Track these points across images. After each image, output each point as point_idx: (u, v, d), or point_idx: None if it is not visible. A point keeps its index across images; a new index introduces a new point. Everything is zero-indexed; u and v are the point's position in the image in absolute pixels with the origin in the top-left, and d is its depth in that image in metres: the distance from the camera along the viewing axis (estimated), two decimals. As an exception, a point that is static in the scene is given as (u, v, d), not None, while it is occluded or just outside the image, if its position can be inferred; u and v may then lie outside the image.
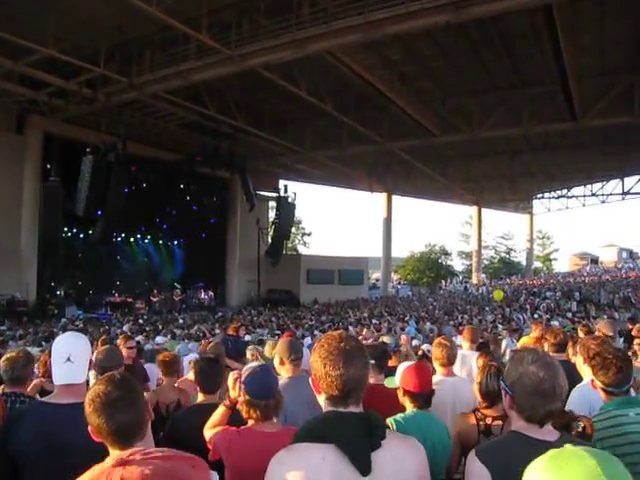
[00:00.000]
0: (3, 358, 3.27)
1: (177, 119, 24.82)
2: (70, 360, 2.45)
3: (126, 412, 1.74)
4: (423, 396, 3.06)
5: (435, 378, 3.67)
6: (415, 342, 6.87)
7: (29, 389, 3.61)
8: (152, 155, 26.84)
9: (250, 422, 2.52)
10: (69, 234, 27.12)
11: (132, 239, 32.56)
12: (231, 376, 2.63)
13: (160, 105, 22.38)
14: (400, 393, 3.11)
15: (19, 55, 17.83)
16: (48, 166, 22.59)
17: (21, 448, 2.29)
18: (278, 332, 13.86)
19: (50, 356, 2.65)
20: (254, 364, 2.75)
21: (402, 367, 3.17)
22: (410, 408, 3.06)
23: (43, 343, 11.70)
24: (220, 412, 2.66)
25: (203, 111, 22.38)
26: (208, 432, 2.60)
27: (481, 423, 2.99)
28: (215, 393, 3.32)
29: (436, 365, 3.87)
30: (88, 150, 21.29)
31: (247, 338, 10.67)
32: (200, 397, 3.37)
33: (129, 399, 1.78)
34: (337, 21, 14.85)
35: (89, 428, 1.78)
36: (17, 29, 16.20)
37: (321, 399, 1.78)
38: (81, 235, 27.85)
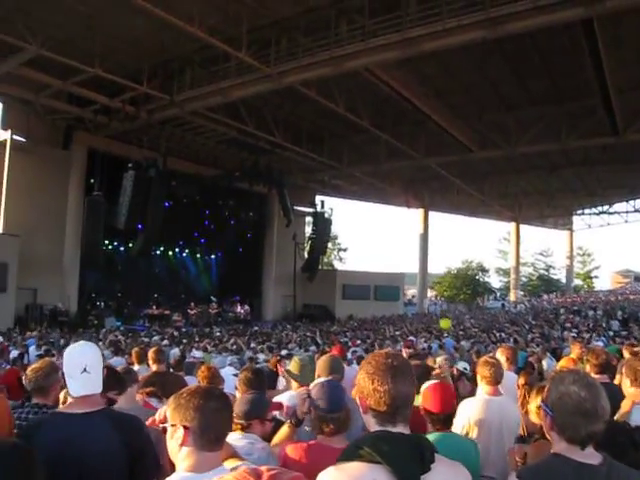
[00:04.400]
0: (29, 369, 3.30)
1: (216, 135, 25.27)
2: (87, 371, 2.42)
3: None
4: (442, 417, 3.02)
5: (481, 397, 3.62)
6: (440, 360, 6.82)
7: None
8: (192, 170, 27.36)
9: (319, 437, 2.51)
10: (110, 247, 27.70)
11: (170, 252, 33.06)
12: (299, 393, 2.64)
13: (200, 121, 22.86)
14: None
15: (67, 75, 18.52)
16: (92, 181, 23.21)
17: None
18: (313, 348, 13.88)
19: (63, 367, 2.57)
20: (322, 379, 2.77)
21: (425, 386, 3.14)
22: (429, 429, 3.02)
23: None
24: (285, 431, 2.67)
25: (242, 127, 22.75)
26: (276, 448, 2.59)
27: None
28: None
29: (482, 384, 3.77)
30: (130, 165, 21.82)
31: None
32: None
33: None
34: (374, 38, 14.96)
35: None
36: (66, 50, 16.87)
37: (368, 418, 1.76)
38: (121, 248, 28.43)
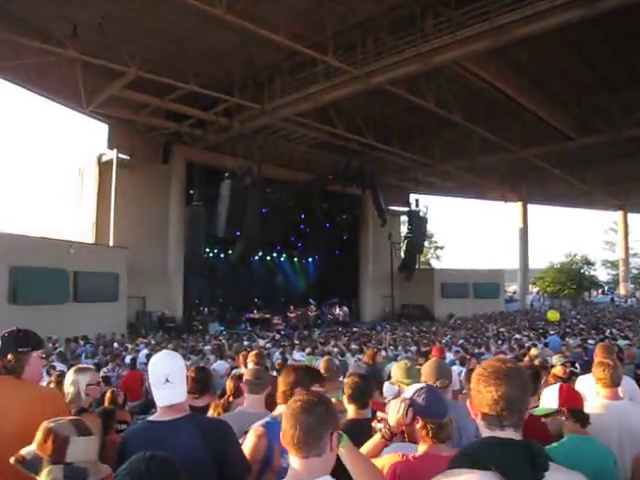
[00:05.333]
0: None
1: (308, 140, 25.64)
2: (169, 381, 2.48)
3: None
4: (577, 413, 2.83)
5: (598, 401, 3.39)
6: (555, 359, 6.49)
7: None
8: (285, 176, 27.89)
9: (423, 447, 2.37)
10: (211, 254, 28.82)
11: (268, 257, 33.89)
12: (397, 402, 2.47)
13: (291, 128, 23.32)
14: (563, 417, 2.83)
15: (164, 93, 19.55)
16: (191, 192, 24.20)
17: None
18: (413, 348, 13.70)
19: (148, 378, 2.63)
20: (419, 385, 2.61)
21: (554, 389, 2.94)
22: (570, 430, 2.80)
23: (191, 356, 12.55)
24: (375, 442, 2.53)
25: (332, 130, 22.96)
26: (377, 461, 2.39)
27: None
28: (367, 408, 3.21)
29: (598, 387, 3.51)
30: (226, 175, 22.53)
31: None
32: (352, 412, 3.21)
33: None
34: (462, 30, 14.61)
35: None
36: (162, 70, 17.84)
37: (479, 423, 1.75)
38: (222, 255, 29.46)
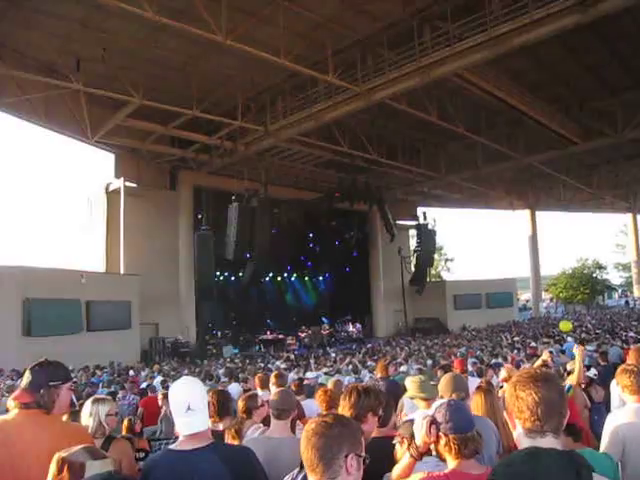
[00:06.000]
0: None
1: (313, 159, 25.76)
2: (191, 409, 2.43)
3: None
4: (572, 428, 2.85)
5: (630, 407, 3.36)
6: (570, 366, 6.44)
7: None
8: (292, 196, 28.05)
9: (451, 465, 2.28)
10: (221, 277, 28.90)
11: (279, 278, 33.95)
12: (421, 420, 2.40)
13: (296, 148, 23.45)
14: None
15: (168, 120, 19.77)
16: (199, 216, 24.37)
17: None
18: (430, 362, 13.59)
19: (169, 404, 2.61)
20: (442, 400, 2.56)
21: None
22: (564, 445, 2.82)
23: (207, 381, 12.51)
24: (406, 463, 2.47)
25: (336, 148, 23.06)
26: None
27: None
28: (388, 425, 3.17)
29: (625, 394, 3.48)
30: (233, 198, 22.69)
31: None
32: (375, 431, 3.14)
33: None
34: (460, 42, 14.72)
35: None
36: (165, 98, 18.07)
37: (518, 435, 1.73)
38: (232, 278, 29.53)
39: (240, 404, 4.42)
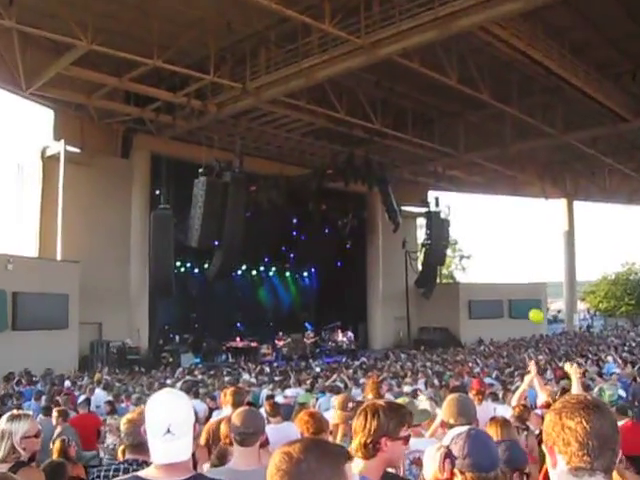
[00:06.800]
0: (124, 419, 3.46)
1: (301, 126, 25.72)
2: (171, 432, 2.32)
3: None
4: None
5: None
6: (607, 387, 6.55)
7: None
8: (274, 171, 27.90)
9: None
10: (182, 269, 28.85)
11: (254, 272, 33.88)
12: (434, 451, 2.35)
13: (280, 111, 23.40)
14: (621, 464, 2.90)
15: (123, 71, 19.62)
16: (157, 192, 24.29)
17: None
18: (436, 382, 13.68)
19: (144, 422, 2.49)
20: (462, 429, 2.48)
21: None
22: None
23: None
24: None
25: (332, 114, 23.02)
26: None
27: None
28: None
29: None
30: (200, 171, 22.53)
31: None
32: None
33: None
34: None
35: None
36: (120, 43, 17.91)
37: (557, 473, 1.72)
38: (196, 270, 29.48)
39: (224, 428, 4.34)
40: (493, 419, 3.99)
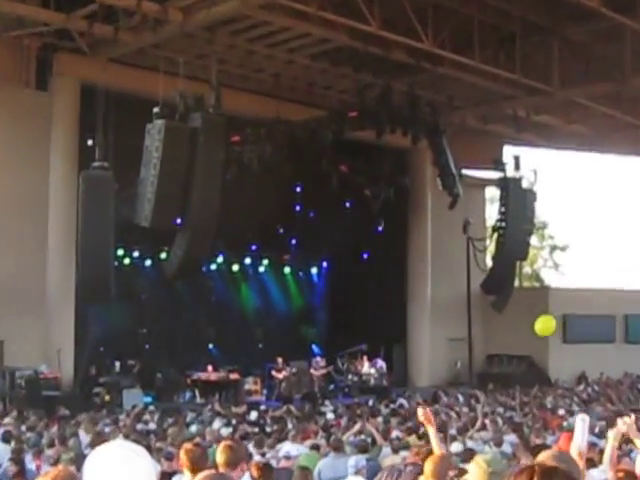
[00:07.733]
0: None
1: (311, 44, 25.61)
2: None
3: None
4: None
5: None
6: None
7: None
8: (268, 114, 27.82)
9: None
10: (126, 261, 28.91)
11: (236, 267, 33.84)
12: None
13: (279, 21, 23.23)
14: None
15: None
16: (89, 142, 24.21)
17: None
18: (511, 438, 13.70)
19: None
20: None
21: None
22: None
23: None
24: None
25: (358, 26, 22.84)
26: None
27: None
28: None
29: None
30: (156, 111, 22.41)
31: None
32: None
33: None
34: None
35: None
36: None
37: None
38: (147, 262, 29.53)
39: None
40: None
